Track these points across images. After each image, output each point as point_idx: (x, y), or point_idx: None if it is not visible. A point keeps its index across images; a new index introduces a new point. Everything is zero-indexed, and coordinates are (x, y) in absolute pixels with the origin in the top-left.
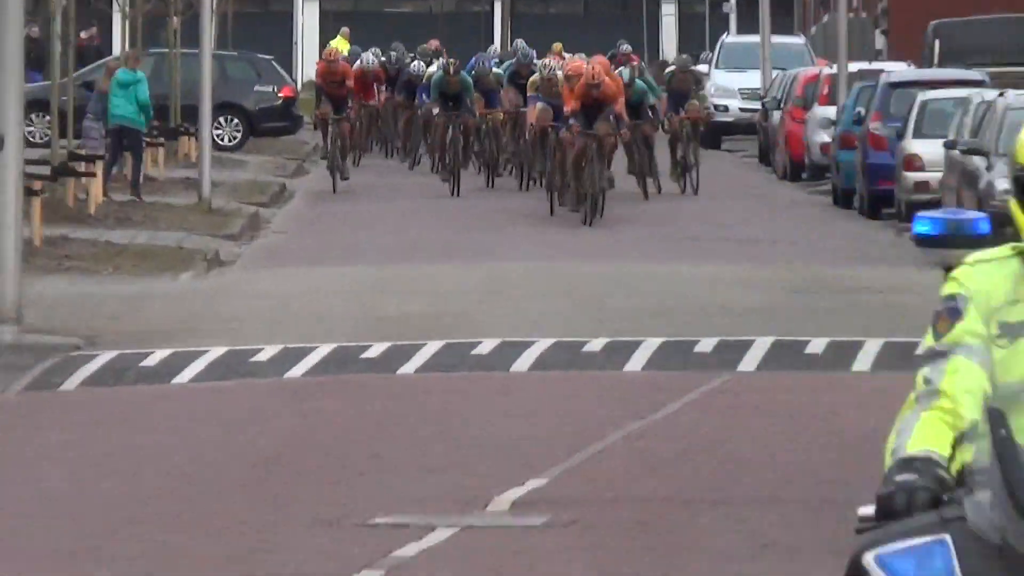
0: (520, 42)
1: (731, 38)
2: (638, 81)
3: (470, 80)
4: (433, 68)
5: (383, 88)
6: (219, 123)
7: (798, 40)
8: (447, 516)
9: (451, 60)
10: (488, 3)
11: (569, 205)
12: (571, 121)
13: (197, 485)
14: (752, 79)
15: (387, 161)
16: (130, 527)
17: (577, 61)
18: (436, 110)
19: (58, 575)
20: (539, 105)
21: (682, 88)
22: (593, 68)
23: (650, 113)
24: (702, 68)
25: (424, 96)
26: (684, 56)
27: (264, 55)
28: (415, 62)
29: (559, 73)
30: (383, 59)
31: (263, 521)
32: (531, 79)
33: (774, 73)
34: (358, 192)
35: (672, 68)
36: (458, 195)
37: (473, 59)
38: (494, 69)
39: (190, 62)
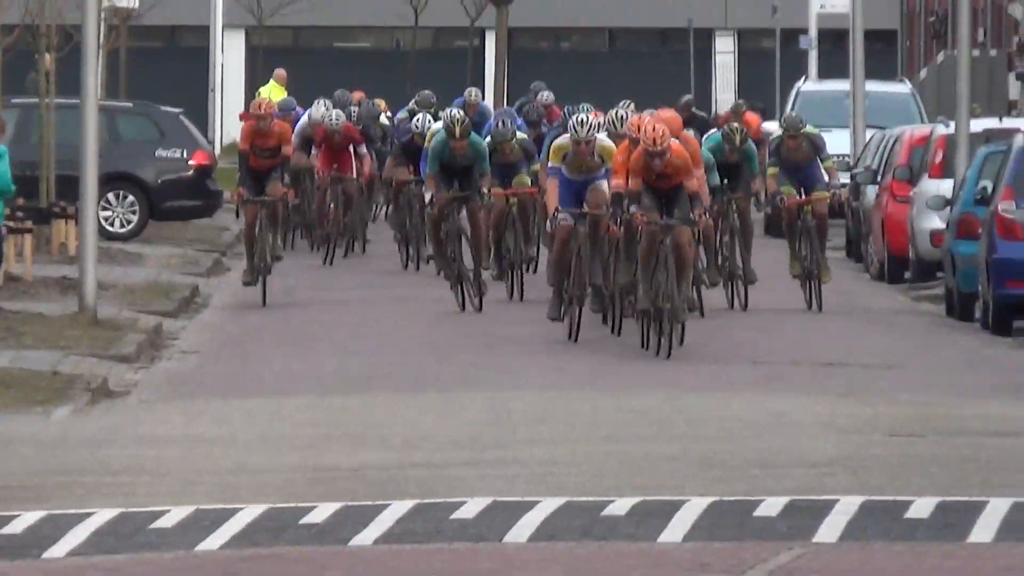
0: (541, 88)
1: (810, 85)
2: (808, 131)
3: (484, 146)
4: (437, 125)
5: (363, 152)
6: (108, 202)
7: (902, 88)
8: None
9: (456, 115)
10: (478, 36)
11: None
12: (632, 207)
13: None
14: (839, 141)
15: (363, 259)
16: None
17: (643, 118)
18: (430, 194)
19: None
20: (551, 181)
21: (797, 160)
22: (654, 130)
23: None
24: (770, 125)
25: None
26: (794, 114)
27: (170, 108)
28: (418, 115)
29: (600, 136)
30: (350, 111)
31: None
32: (557, 143)
33: (869, 133)
34: (299, 300)
35: (778, 134)
36: (464, 309)
37: (490, 120)
38: (518, 132)
39: (68, 117)
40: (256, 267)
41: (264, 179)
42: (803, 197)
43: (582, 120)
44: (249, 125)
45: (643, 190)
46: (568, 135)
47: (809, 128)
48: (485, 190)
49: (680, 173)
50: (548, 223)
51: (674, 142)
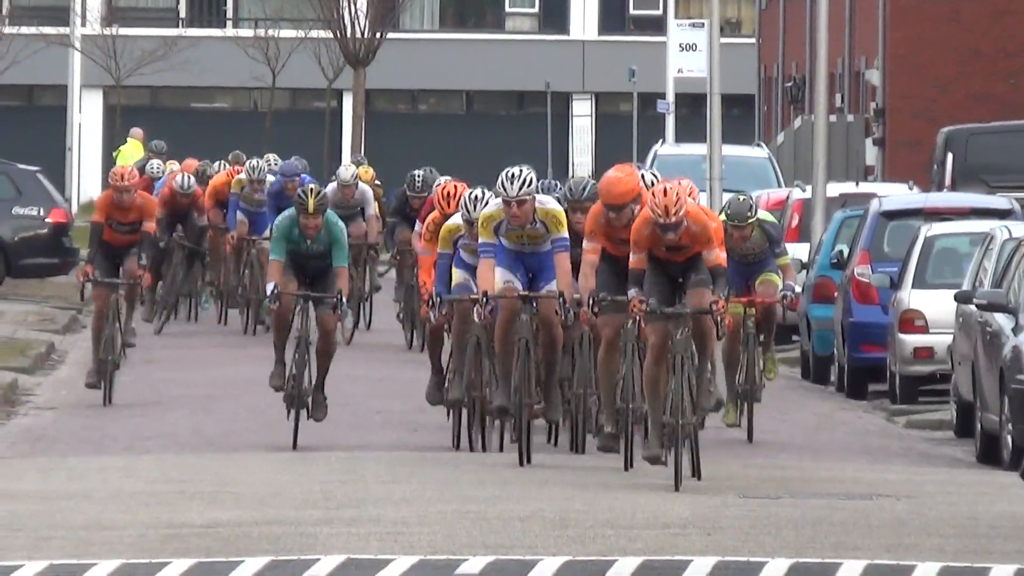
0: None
1: (667, 148)
2: (761, 217)
3: (340, 227)
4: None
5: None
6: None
7: (759, 152)
8: None
9: (311, 188)
10: (336, 97)
11: (613, 441)
12: (631, 293)
13: None
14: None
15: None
16: None
17: (620, 174)
18: (272, 288)
19: None
20: (498, 271)
21: (744, 254)
22: (665, 193)
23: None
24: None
25: None
26: (741, 198)
27: (27, 166)
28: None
29: (541, 196)
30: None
31: None
32: (486, 213)
33: (725, 197)
34: (158, 357)
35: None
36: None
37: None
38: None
39: None
40: (102, 364)
41: (119, 256)
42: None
43: (512, 173)
44: (107, 195)
45: (650, 271)
46: (498, 200)
47: (762, 214)
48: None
49: (699, 243)
50: (475, 312)
51: (690, 203)
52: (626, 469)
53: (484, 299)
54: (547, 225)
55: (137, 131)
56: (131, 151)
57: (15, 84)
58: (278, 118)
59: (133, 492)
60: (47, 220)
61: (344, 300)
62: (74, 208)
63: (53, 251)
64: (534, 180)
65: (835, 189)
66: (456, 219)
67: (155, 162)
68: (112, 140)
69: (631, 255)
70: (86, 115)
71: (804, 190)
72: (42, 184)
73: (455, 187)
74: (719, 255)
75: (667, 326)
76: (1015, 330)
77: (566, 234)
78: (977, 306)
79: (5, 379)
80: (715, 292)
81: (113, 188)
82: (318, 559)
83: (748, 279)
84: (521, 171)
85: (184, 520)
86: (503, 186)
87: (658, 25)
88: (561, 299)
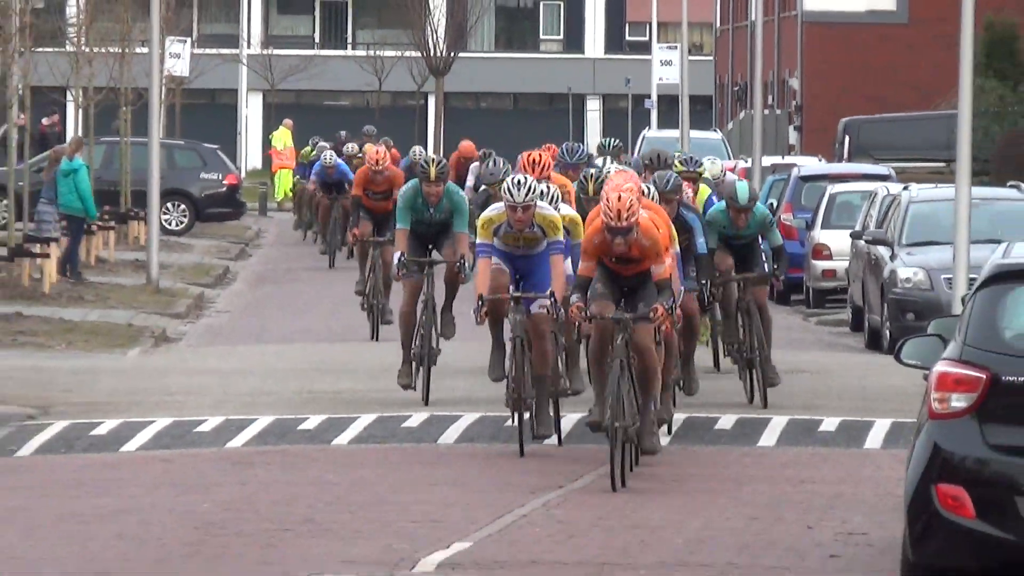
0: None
1: (652, 133)
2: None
3: (460, 195)
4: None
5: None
6: (167, 208)
7: (715, 136)
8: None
9: (432, 158)
10: (423, 97)
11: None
12: (573, 297)
13: (143, 547)
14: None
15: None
16: None
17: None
18: (398, 256)
19: None
20: (493, 260)
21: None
22: (619, 199)
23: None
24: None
25: None
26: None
27: (210, 144)
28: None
29: (542, 203)
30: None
31: None
32: (486, 215)
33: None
34: (301, 278)
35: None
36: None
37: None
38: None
39: (140, 150)
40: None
41: (384, 224)
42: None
43: (519, 181)
44: (363, 171)
45: (599, 276)
46: (499, 204)
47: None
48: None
49: (648, 257)
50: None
51: (643, 216)
52: (614, 489)
53: (480, 302)
54: (544, 229)
55: (288, 121)
56: (282, 135)
57: (202, 88)
58: (383, 113)
59: (284, 369)
60: (224, 182)
61: (467, 263)
62: (242, 173)
63: (228, 203)
64: (536, 187)
65: (768, 161)
66: (495, 209)
67: (350, 145)
68: (268, 128)
69: (580, 262)
70: (250, 110)
71: (746, 161)
72: (220, 157)
73: (539, 155)
74: (667, 269)
75: (609, 325)
76: (891, 258)
77: (562, 238)
78: (866, 241)
79: (195, 291)
80: (659, 300)
81: (368, 165)
82: (410, 415)
83: (741, 259)
84: (526, 179)
85: (319, 388)
86: (510, 192)
87: (646, 48)
88: (552, 298)
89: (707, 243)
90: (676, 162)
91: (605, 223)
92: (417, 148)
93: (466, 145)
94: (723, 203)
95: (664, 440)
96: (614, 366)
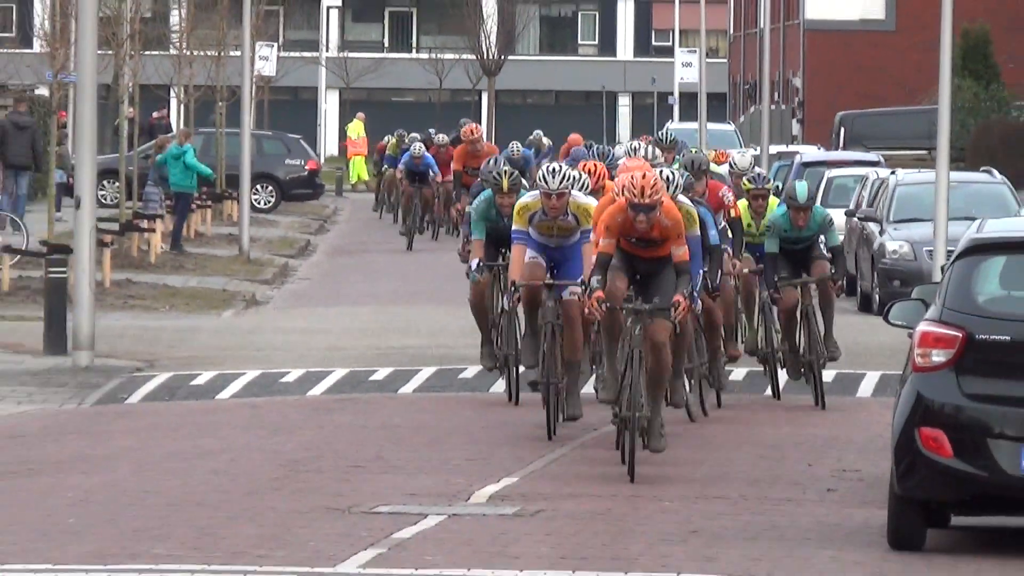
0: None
1: (674, 125)
2: (817, 211)
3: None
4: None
5: None
6: (256, 190)
7: (728, 127)
8: (437, 506)
9: (505, 170)
10: (477, 94)
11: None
12: (594, 282)
13: (235, 481)
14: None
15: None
16: (181, 513)
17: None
18: (476, 262)
19: (123, 549)
20: (529, 254)
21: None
22: (644, 176)
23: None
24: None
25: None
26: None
27: (293, 135)
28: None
29: (576, 192)
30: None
31: (288, 509)
32: (522, 202)
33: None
34: (373, 251)
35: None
36: None
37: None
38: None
39: (233, 140)
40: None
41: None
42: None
43: (554, 169)
44: (462, 148)
45: (616, 257)
46: (535, 191)
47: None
48: None
49: (669, 238)
50: (504, 297)
51: (665, 198)
52: (632, 480)
53: (513, 288)
54: (578, 218)
55: (360, 115)
56: (355, 127)
57: (286, 86)
58: (442, 108)
59: (357, 328)
60: (305, 167)
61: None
62: (321, 160)
63: (309, 185)
64: (571, 175)
65: (774, 149)
66: (532, 196)
67: (441, 136)
68: (343, 120)
69: (600, 239)
70: (328, 105)
71: (756, 149)
72: (302, 146)
73: (595, 165)
74: (685, 252)
75: (619, 316)
76: (880, 233)
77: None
78: (858, 219)
79: (280, 261)
80: (678, 290)
81: (466, 140)
82: (465, 368)
83: (802, 261)
84: (561, 167)
85: (387, 344)
86: (544, 180)
87: (669, 51)
88: (584, 285)
89: (767, 247)
90: (744, 180)
91: (628, 200)
92: (464, 120)
93: (574, 137)
94: (783, 206)
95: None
96: (632, 356)
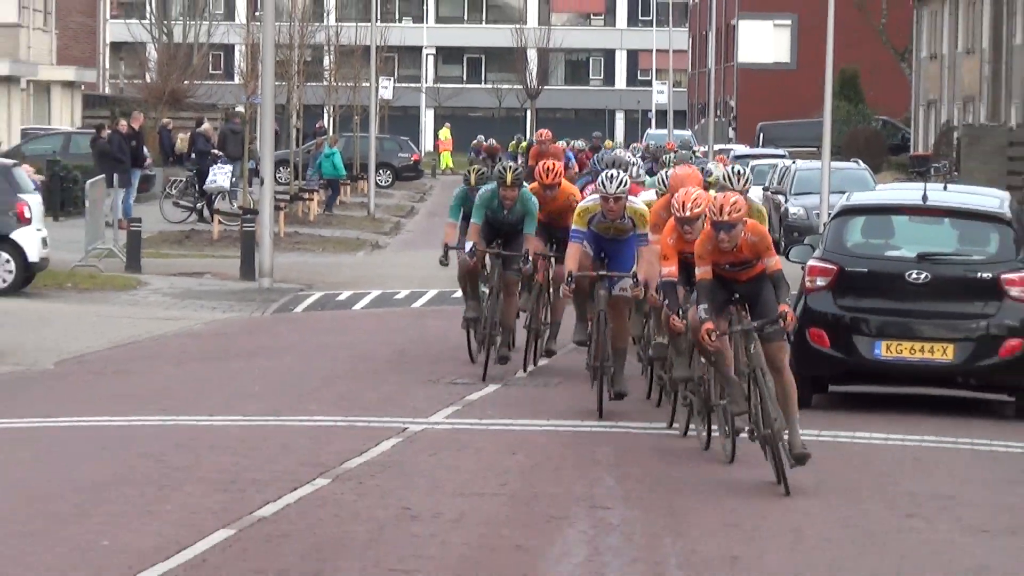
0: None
1: (652, 131)
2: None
3: (533, 201)
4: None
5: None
6: (379, 173)
7: (687, 133)
8: (494, 380)
9: (509, 165)
10: (523, 112)
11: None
12: (702, 310)
13: (364, 363)
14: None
15: None
16: (329, 384)
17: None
18: (470, 245)
19: (290, 407)
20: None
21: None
22: (729, 196)
23: None
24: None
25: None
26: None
27: (403, 137)
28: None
29: (632, 198)
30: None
31: (400, 381)
32: (582, 206)
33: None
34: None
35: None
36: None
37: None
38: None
39: (364, 141)
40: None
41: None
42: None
43: (612, 175)
44: (535, 148)
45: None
46: (594, 196)
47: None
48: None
49: (761, 255)
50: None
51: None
52: (788, 493)
53: (569, 278)
54: (634, 221)
55: (447, 125)
56: (444, 132)
57: (399, 105)
58: (500, 121)
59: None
60: (411, 158)
61: (530, 257)
62: (421, 154)
63: (413, 171)
64: (627, 182)
65: (717, 147)
66: (591, 200)
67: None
68: (436, 127)
69: (697, 268)
70: (426, 118)
71: (704, 147)
72: (409, 144)
73: (553, 164)
74: (777, 261)
75: (731, 338)
76: (785, 202)
77: (648, 231)
78: (772, 192)
79: (395, 220)
80: (779, 301)
81: (539, 143)
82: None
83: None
84: (619, 173)
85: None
86: (603, 185)
87: (649, 83)
88: (635, 279)
89: None
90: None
91: (710, 219)
92: (480, 136)
93: (545, 133)
94: None
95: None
96: (755, 375)
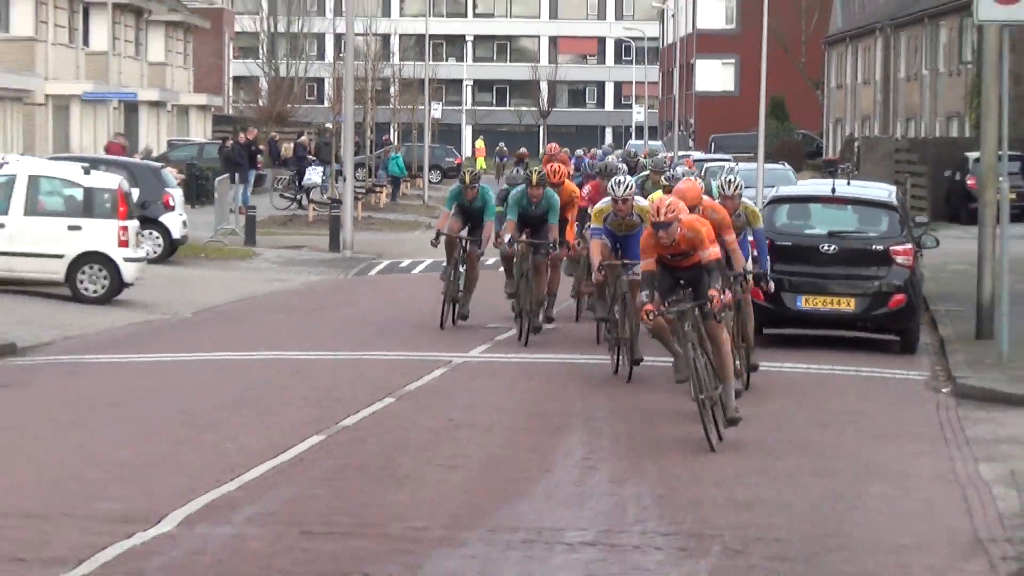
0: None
1: (632, 141)
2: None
3: (555, 198)
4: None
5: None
6: (431, 173)
7: (659, 143)
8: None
9: (535, 170)
10: (537, 128)
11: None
12: (643, 294)
13: (419, 312)
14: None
15: None
16: (393, 327)
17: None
18: (508, 237)
19: (362, 344)
20: (596, 239)
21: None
22: (664, 203)
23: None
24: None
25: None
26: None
27: (449, 146)
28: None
29: (638, 198)
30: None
31: (447, 325)
32: (598, 207)
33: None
34: None
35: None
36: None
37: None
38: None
39: (420, 149)
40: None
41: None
42: None
43: (619, 181)
44: (546, 157)
45: (658, 271)
46: (608, 199)
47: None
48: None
49: (697, 248)
50: (593, 275)
51: (686, 216)
52: (712, 449)
53: (600, 268)
54: (641, 217)
55: (482, 137)
56: (480, 142)
57: (446, 123)
58: (521, 135)
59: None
60: (454, 162)
61: (555, 243)
62: (462, 158)
63: (456, 171)
64: (633, 186)
65: (680, 153)
66: (605, 202)
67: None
68: (473, 139)
69: (641, 260)
70: (466, 132)
71: (669, 153)
72: (454, 151)
73: (559, 167)
74: (713, 253)
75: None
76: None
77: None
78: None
79: (442, 207)
80: (710, 287)
81: (547, 156)
82: None
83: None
84: (625, 179)
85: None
86: (613, 189)
87: (630, 106)
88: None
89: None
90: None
91: (650, 220)
92: (501, 144)
93: (552, 146)
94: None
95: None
96: (687, 349)
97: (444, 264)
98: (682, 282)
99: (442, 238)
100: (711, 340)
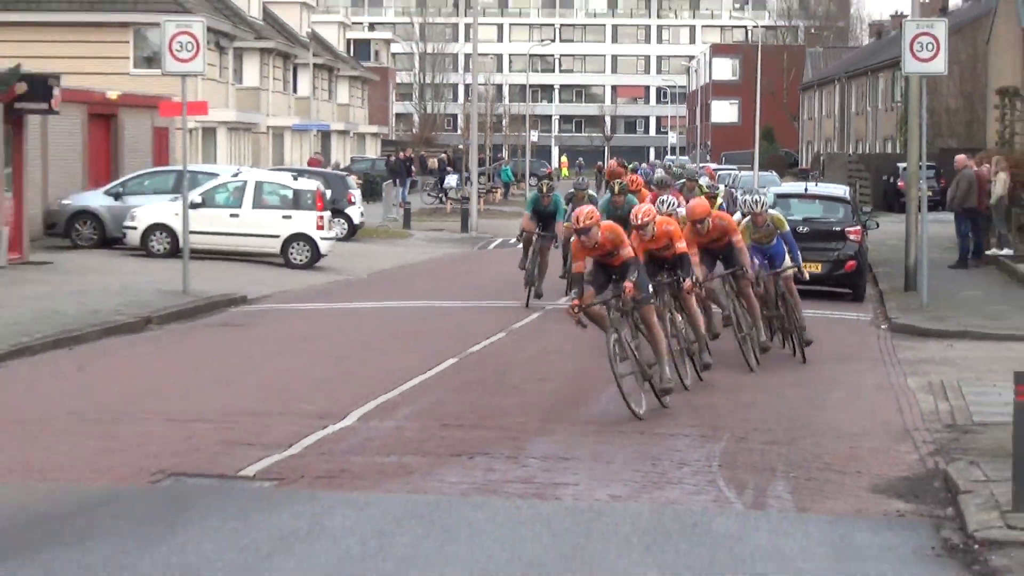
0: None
1: (668, 157)
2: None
3: (561, 201)
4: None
5: None
6: (531, 179)
7: (686, 158)
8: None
9: (547, 184)
10: (602, 148)
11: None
12: (574, 292)
13: (501, 275)
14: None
15: None
16: (509, 285)
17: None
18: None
19: (484, 296)
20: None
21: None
22: (640, 211)
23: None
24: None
25: None
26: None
27: (543, 160)
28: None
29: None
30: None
31: (499, 297)
32: (742, 226)
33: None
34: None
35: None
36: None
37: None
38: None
39: (523, 162)
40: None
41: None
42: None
43: (663, 200)
44: (610, 168)
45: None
46: (746, 219)
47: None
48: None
49: (618, 248)
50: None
51: (661, 218)
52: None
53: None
54: (774, 223)
55: (564, 154)
56: (564, 159)
57: (539, 144)
58: (591, 152)
59: None
60: (546, 171)
61: (559, 237)
62: (552, 168)
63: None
64: (675, 204)
65: (701, 164)
66: (746, 222)
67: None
68: (559, 156)
69: (573, 263)
70: (554, 151)
71: (695, 164)
72: (545, 163)
73: (635, 177)
74: (628, 252)
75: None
76: (736, 192)
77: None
78: (730, 188)
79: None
80: (627, 279)
81: (609, 170)
82: None
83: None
84: (668, 198)
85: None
86: (751, 207)
87: (666, 135)
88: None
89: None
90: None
91: (573, 229)
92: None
93: (612, 163)
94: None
95: None
96: (619, 335)
97: (521, 256)
98: (615, 277)
99: (523, 234)
100: (644, 322)
